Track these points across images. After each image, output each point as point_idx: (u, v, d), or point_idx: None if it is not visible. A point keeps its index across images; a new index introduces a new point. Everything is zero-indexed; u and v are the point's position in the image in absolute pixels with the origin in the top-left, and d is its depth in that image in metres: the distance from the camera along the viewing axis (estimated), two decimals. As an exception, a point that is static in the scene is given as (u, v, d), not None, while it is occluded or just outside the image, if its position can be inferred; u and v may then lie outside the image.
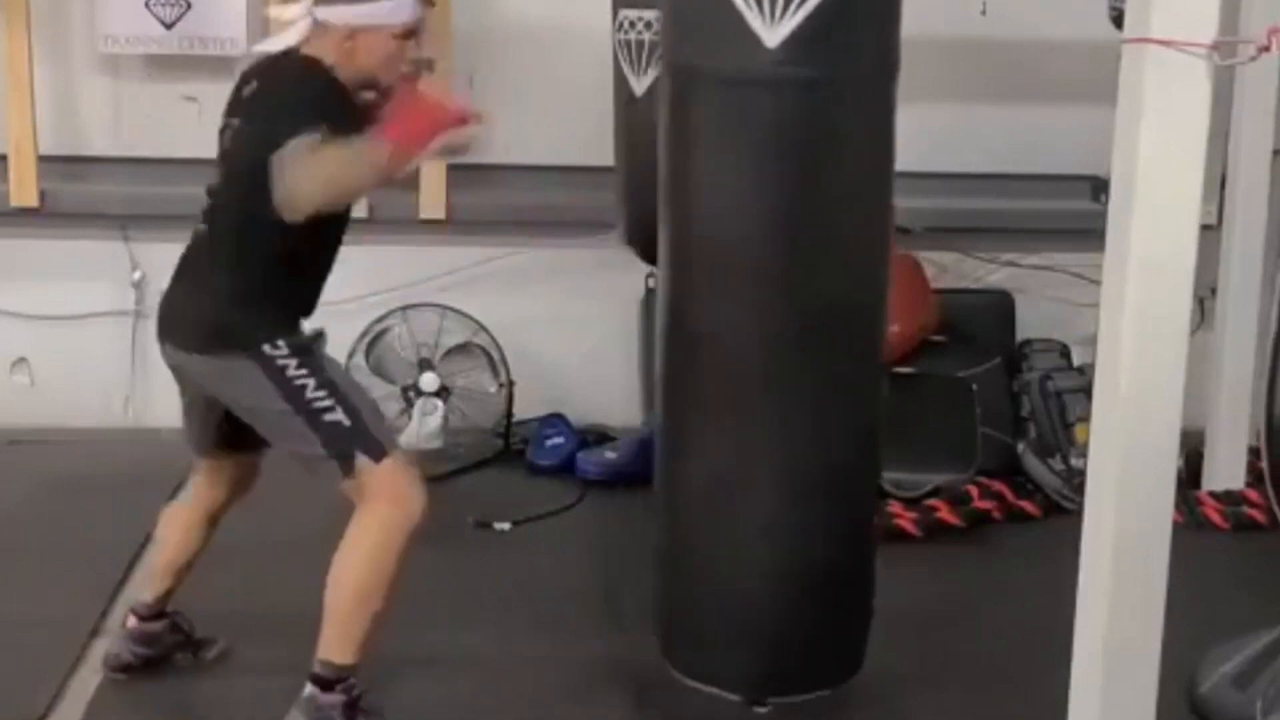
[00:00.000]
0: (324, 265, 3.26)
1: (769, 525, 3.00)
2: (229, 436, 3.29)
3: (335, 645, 3.09)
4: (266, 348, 3.04)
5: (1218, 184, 4.64)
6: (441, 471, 4.86)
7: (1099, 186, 4.77)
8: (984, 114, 5.22)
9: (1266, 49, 2.57)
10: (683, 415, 3.09)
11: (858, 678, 3.20)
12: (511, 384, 5.05)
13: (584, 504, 4.67)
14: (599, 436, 5.01)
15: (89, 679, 3.48)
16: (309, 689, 3.11)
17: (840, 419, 3.01)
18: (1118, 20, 3.61)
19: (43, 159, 5.01)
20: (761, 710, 3.10)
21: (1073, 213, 4.94)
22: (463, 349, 5.07)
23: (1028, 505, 4.64)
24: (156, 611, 3.47)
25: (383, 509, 3.08)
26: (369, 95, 3.19)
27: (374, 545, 3.08)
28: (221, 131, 3.22)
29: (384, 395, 4.94)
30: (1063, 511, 4.53)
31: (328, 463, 3.06)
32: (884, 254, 3.03)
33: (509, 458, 5.01)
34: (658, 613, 3.23)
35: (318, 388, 3.05)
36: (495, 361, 5.07)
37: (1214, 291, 4.75)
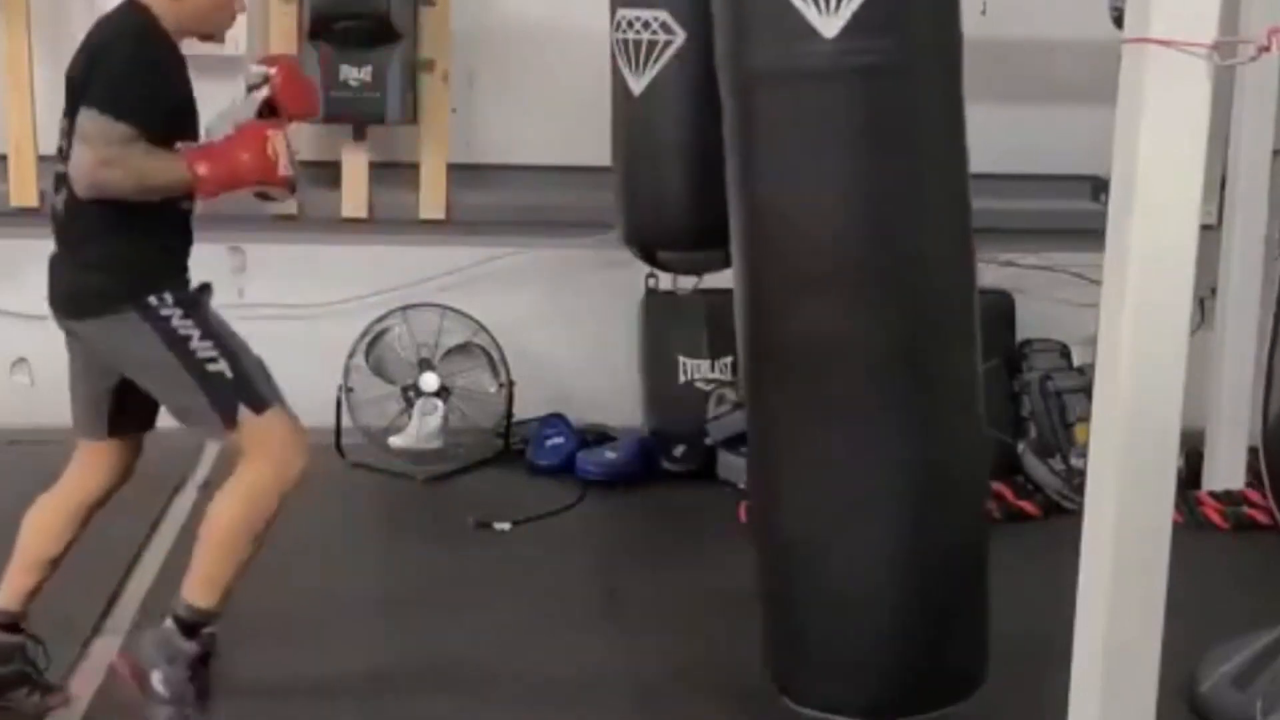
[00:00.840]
0: (186, 212, 3.23)
1: (885, 541, 2.91)
2: (116, 414, 3.29)
3: (199, 589, 3.19)
4: (151, 299, 3.08)
5: (1218, 184, 4.64)
6: (441, 471, 4.86)
7: (1099, 186, 4.78)
8: (984, 114, 5.17)
9: (1266, 49, 2.57)
10: (779, 431, 2.97)
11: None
12: (511, 384, 5.05)
13: (584, 504, 4.67)
14: (599, 436, 5.01)
15: (89, 679, 3.47)
16: (168, 623, 3.21)
17: (950, 424, 2.93)
18: (1118, 20, 3.61)
19: (43, 159, 5.00)
20: None
21: (1073, 213, 4.94)
22: (463, 349, 5.07)
23: (1028, 505, 4.64)
24: (12, 620, 3.29)
25: (259, 464, 3.14)
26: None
27: (245, 499, 3.15)
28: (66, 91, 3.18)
29: (384, 395, 4.95)
30: (1063, 511, 4.53)
31: (211, 415, 3.11)
32: (968, 240, 2.95)
33: (509, 458, 5.01)
34: (769, 641, 3.09)
35: (202, 338, 3.09)
36: (495, 361, 5.07)
37: (1214, 291, 4.75)
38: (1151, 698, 2.73)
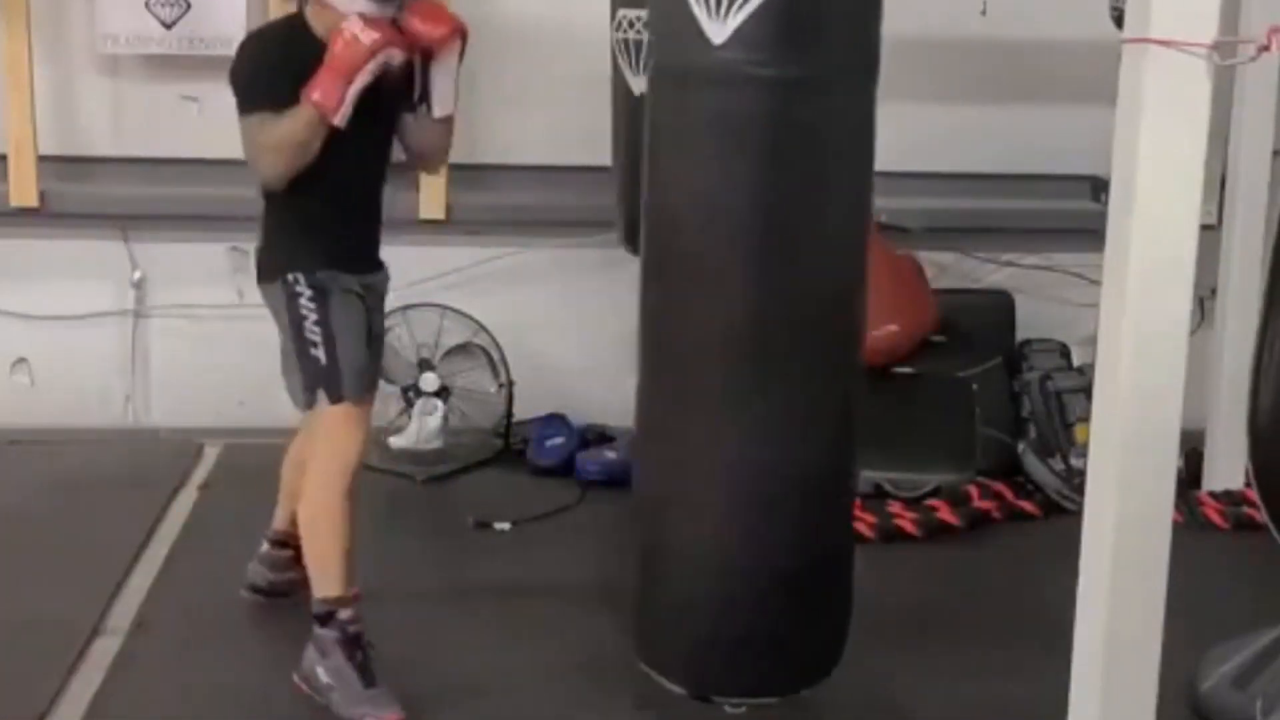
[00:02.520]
0: (341, 203, 3.43)
1: (743, 524, 2.95)
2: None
3: (315, 580, 3.38)
4: (290, 276, 3.38)
5: (1218, 184, 4.64)
6: (441, 471, 4.86)
7: (1099, 186, 4.78)
8: (984, 114, 5.22)
9: (1266, 49, 2.57)
10: (658, 415, 3.05)
11: (854, 676, 3.19)
12: (511, 384, 5.05)
13: (584, 504, 4.67)
14: (599, 436, 5.01)
15: (89, 679, 3.47)
16: (315, 626, 3.37)
17: (816, 418, 2.95)
18: (1118, 20, 3.62)
19: (43, 159, 5.00)
20: (736, 710, 3.06)
21: (1073, 213, 4.94)
22: (463, 349, 5.07)
23: (1028, 505, 4.64)
24: (282, 539, 3.74)
25: (323, 451, 3.39)
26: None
27: (315, 486, 3.38)
28: None
29: (384, 395, 4.94)
30: (1063, 511, 4.53)
31: (305, 392, 3.40)
32: (860, 253, 2.97)
33: (509, 458, 5.01)
34: (634, 611, 3.19)
35: (316, 324, 3.36)
36: (495, 361, 5.07)
37: (1214, 291, 4.75)
38: (1151, 698, 2.74)
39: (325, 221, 3.41)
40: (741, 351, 2.89)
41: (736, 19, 2.73)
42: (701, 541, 2.99)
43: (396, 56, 3.31)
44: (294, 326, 3.38)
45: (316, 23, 3.35)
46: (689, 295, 2.92)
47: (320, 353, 3.36)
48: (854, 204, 2.94)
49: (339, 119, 3.24)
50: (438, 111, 3.51)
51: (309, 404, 3.41)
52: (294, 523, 3.51)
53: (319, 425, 3.41)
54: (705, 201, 2.87)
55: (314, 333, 3.36)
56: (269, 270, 3.46)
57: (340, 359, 3.36)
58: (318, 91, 3.22)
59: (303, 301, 3.38)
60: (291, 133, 3.25)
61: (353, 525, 3.36)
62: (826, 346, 2.96)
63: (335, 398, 3.36)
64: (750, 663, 3.02)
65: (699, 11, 2.75)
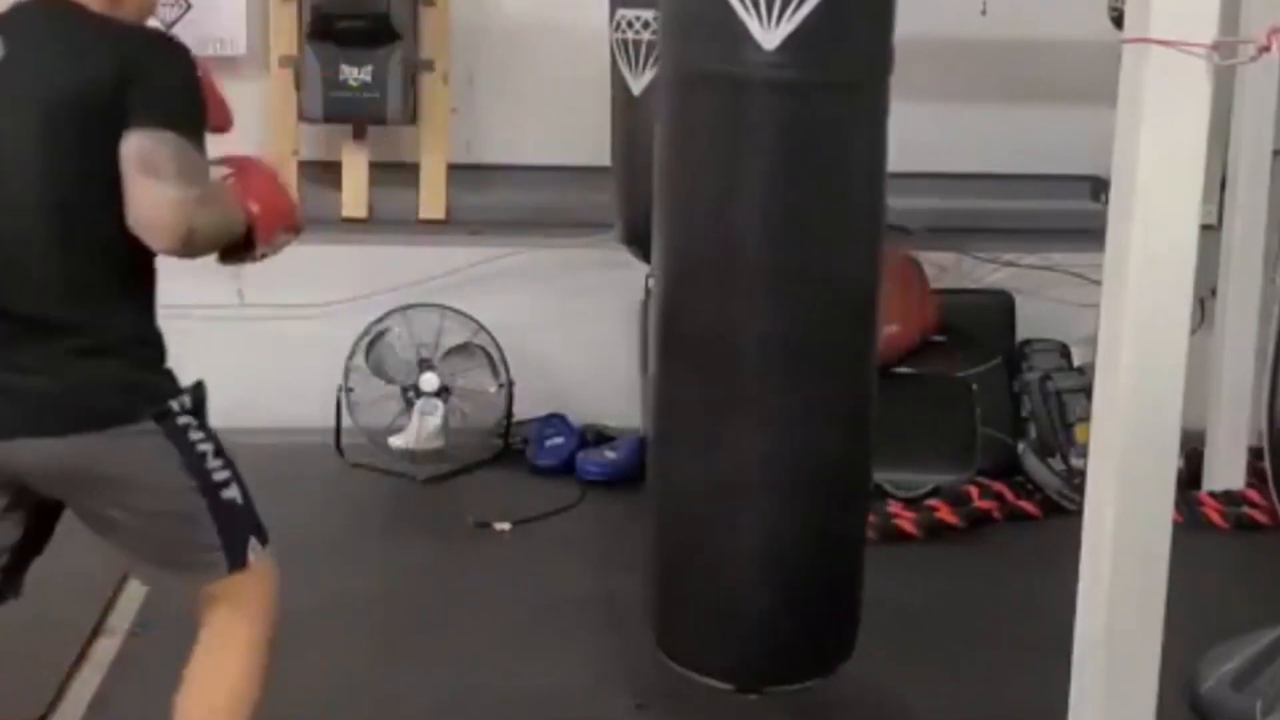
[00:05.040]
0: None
1: (760, 523, 3.00)
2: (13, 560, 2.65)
3: None
4: (174, 404, 2.44)
5: (1218, 184, 4.64)
6: (441, 471, 4.86)
7: (1099, 186, 4.78)
8: (984, 114, 5.22)
9: (1266, 49, 2.57)
10: (676, 416, 3.09)
11: (855, 676, 3.20)
12: (511, 384, 5.05)
13: (584, 504, 4.67)
14: (599, 436, 5.01)
15: (89, 679, 3.48)
16: None
17: (832, 419, 2.99)
18: (1118, 20, 3.62)
19: (43, 159, 5.00)
20: (752, 698, 3.11)
21: (1073, 213, 4.94)
22: (463, 349, 5.07)
23: (1028, 505, 4.64)
24: None
25: (254, 611, 2.59)
26: None
27: (253, 655, 2.62)
28: None
29: (384, 395, 4.95)
30: (1063, 511, 4.53)
31: (214, 556, 2.49)
32: (876, 258, 3.03)
33: (509, 458, 5.01)
34: (653, 605, 3.23)
35: (215, 455, 2.49)
36: (495, 361, 5.07)
37: (1214, 291, 4.75)
38: (1151, 698, 2.74)
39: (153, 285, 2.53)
40: (768, 355, 2.93)
41: (790, 25, 2.75)
42: (727, 540, 3.01)
43: None
44: (192, 471, 2.44)
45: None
46: (715, 301, 2.94)
47: (235, 491, 2.50)
48: (873, 205, 2.98)
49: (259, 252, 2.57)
50: None
51: (237, 564, 2.51)
52: None
53: (245, 584, 2.55)
54: (737, 204, 2.89)
55: (217, 468, 2.48)
56: (123, 406, 2.39)
57: (246, 487, 2.55)
58: (257, 205, 2.53)
59: (192, 435, 2.46)
60: (231, 217, 2.48)
61: None
62: (847, 350, 3.01)
63: (264, 538, 2.56)
64: (786, 649, 3.08)
65: (747, 17, 2.76)
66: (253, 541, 2.52)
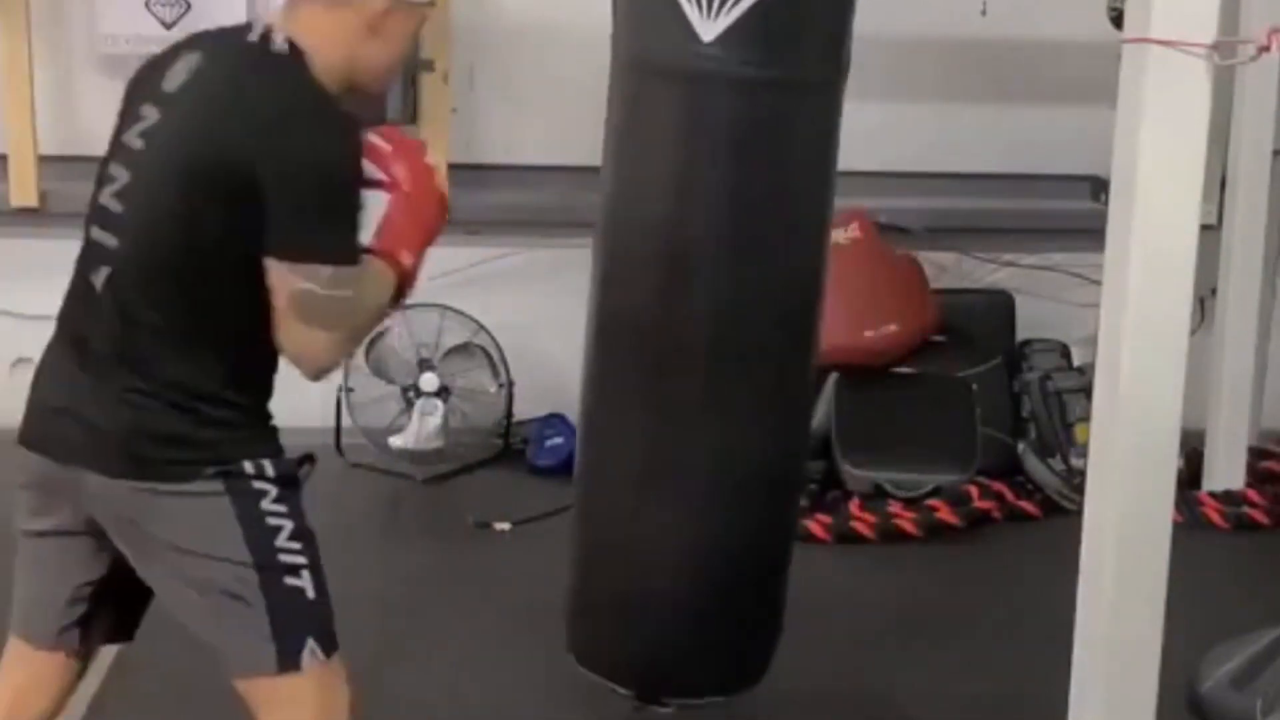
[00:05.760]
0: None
1: (677, 523, 2.94)
2: (90, 616, 2.35)
3: None
4: (248, 466, 2.19)
5: (1218, 184, 4.64)
6: (441, 471, 4.86)
7: (1099, 186, 4.78)
8: (984, 114, 5.22)
9: (1266, 49, 2.57)
10: (603, 408, 3.05)
11: (857, 676, 3.20)
12: (511, 384, 5.05)
13: (584, 504, 4.67)
14: (599, 436, 5.01)
15: (89, 679, 3.47)
16: None
17: (763, 418, 2.94)
18: (1118, 20, 3.62)
19: (43, 159, 5.00)
20: (664, 710, 3.06)
21: (1073, 213, 4.94)
22: (463, 349, 5.07)
23: (1028, 505, 4.64)
24: None
25: None
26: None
27: None
28: (132, 141, 2.34)
29: (384, 395, 4.94)
30: (1063, 511, 4.53)
31: (262, 648, 2.21)
32: (821, 254, 2.98)
33: (509, 458, 5.01)
34: (568, 603, 3.18)
35: (292, 537, 2.20)
36: (495, 361, 5.06)
37: (1214, 291, 4.75)
38: (1151, 698, 2.74)
39: (272, 347, 2.23)
40: (702, 348, 2.89)
41: (729, 18, 2.72)
42: (670, 533, 2.96)
43: None
44: (255, 548, 2.17)
45: (333, 76, 2.22)
46: (659, 291, 2.90)
47: (306, 581, 2.20)
48: (820, 202, 2.95)
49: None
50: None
51: (287, 665, 2.20)
52: None
53: (297, 693, 2.24)
54: (678, 197, 2.86)
55: (291, 550, 2.20)
56: (196, 455, 2.17)
57: (324, 582, 2.26)
58: (408, 256, 2.29)
59: (266, 505, 2.18)
60: (378, 307, 2.27)
61: None
62: (785, 346, 2.96)
63: (330, 648, 2.25)
64: (681, 663, 3.02)
65: (689, 9, 2.74)
66: (311, 643, 2.21)
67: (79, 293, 2.28)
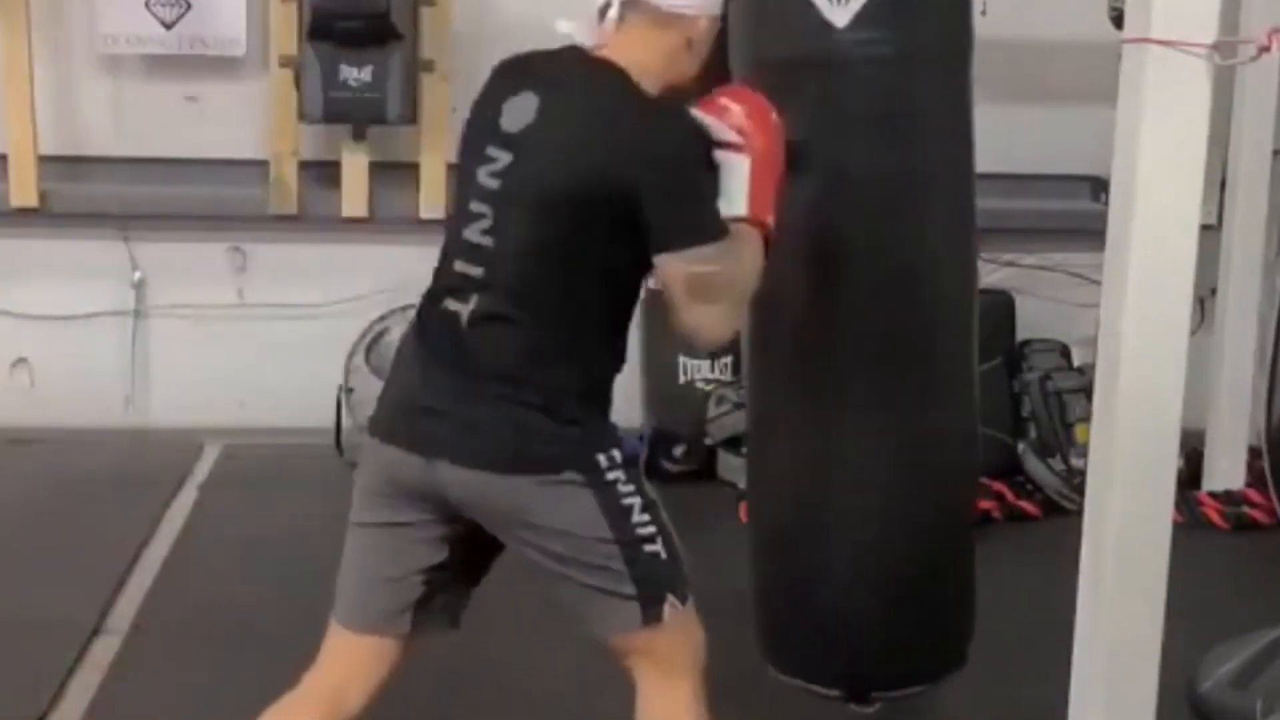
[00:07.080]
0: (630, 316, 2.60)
1: (866, 520, 2.93)
2: (437, 597, 2.61)
3: None
4: (602, 459, 2.43)
5: (1218, 184, 4.64)
6: (441, 471, 4.86)
7: (1099, 186, 4.78)
8: (984, 114, 5.19)
9: (1266, 49, 2.57)
10: (774, 408, 3.02)
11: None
12: (511, 384, 5.05)
13: (584, 504, 4.66)
14: (599, 436, 5.00)
15: (89, 679, 3.47)
16: None
17: (940, 409, 2.94)
18: (1118, 20, 3.62)
19: (43, 159, 5.00)
20: (868, 710, 3.03)
21: (1073, 213, 4.94)
22: (463, 349, 5.06)
23: (1028, 505, 4.64)
24: None
25: (676, 677, 2.53)
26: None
27: (690, 711, 2.53)
28: (486, 182, 2.52)
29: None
30: (1063, 511, 4.53)
31: (628, 608, 2.46)
32: (970, 235, 3.02)
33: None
34: (756, 610, 3.14)
35: (643, 509, 2.45)
36: (495, 361, 5.06)
37: (1214, 291, 4.75)
38: (1151, 698, 2.73)
39: (623, 345, 2.55)
40: (866, 345, 2.89)
41: (858, 2, 2.76)
42: (832, 541, 2.96)
43: None
44: (616, 526, 2.42)
45: (651, 87, 2.49)
46: (813, 283, 2.87)
47: (659, 545, 2.45)
48: (965, 176, 3.00)
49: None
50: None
51: (651, 620, 2.46)
52: None
53: (663, 644, 2.50)
54: (827, 185, 2.83)
55: (643, 523, 2.44)
56: (563, 453, 2.41)
57: (677, 542, 2.50)
58: (770, 212, 2.50)
59: (620, 488, 2.43)
60: (754, 270, 2.47)
61: None
62: (948, 331, 2.98)
63: (684, 597, 2.50)
64: (882, 658, 3.02)
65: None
66: (671, 599, 2.47)
67: (441, 316, 2.54)
